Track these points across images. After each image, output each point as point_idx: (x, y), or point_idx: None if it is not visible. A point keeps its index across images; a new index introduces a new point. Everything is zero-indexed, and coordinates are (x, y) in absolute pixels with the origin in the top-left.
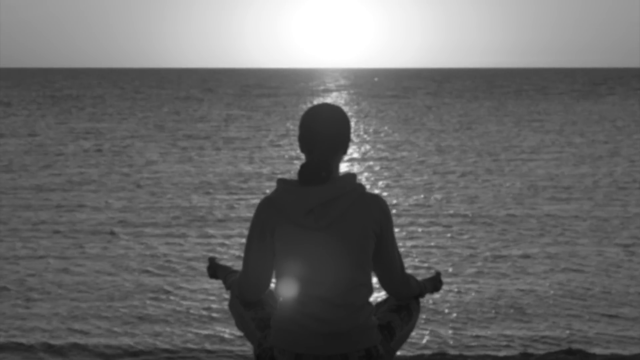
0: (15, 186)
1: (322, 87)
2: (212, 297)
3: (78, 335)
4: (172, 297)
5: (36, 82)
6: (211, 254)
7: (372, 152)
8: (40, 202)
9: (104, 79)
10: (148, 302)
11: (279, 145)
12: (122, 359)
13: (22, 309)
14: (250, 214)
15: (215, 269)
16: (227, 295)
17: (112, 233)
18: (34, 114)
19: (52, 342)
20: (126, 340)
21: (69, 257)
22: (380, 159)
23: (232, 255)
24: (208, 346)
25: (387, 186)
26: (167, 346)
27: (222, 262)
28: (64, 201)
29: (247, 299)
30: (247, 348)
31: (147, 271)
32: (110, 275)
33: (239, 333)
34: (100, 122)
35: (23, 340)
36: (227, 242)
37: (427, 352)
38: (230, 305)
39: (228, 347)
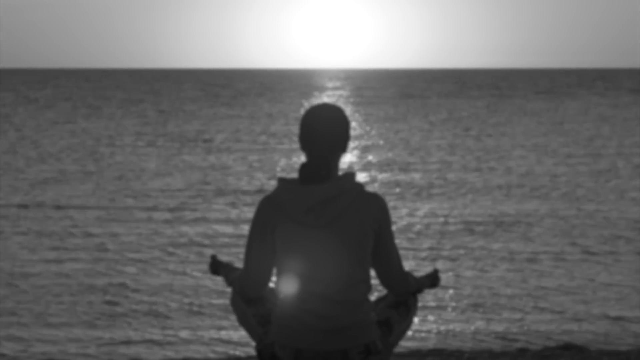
0: None
1: (321, 88)
2: (213, 294)
3: (69, 341)
4: (172, 293)
5: (35, 82)
6: (213, 252)
7: (356, 152)
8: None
9: (107, 79)
10: (147, 298)
11: (277, 145)
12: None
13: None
14: (242, 212)
15: (217, 266)
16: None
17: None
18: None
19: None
20: (129, 338)
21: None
22: (363, 160)
23: (234, 253)
24: (209, 343)
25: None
26: (170, 342)
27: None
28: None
29: (248, 295)
30: (244, 337)
31: (147, 268)
32: (107, 275)
33: (240, 328)
34: (95, 122)
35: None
36: (227, 240)
37: (424, 347)
38: (232, 302)
39: (230, 343)
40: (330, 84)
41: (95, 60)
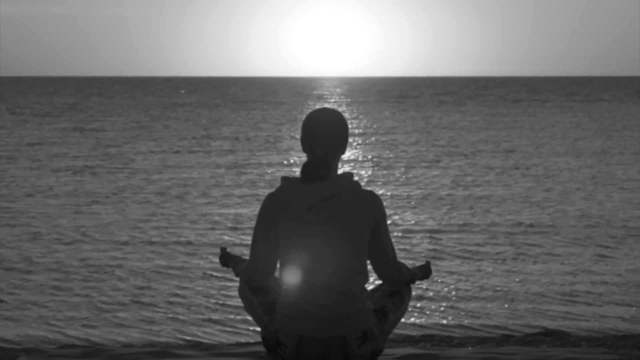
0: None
1: (321, 94)
2: (215, 290)
3: (76, 333)
4: (177, 288)
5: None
6: (222, 245)
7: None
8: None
9: (121, 86)
10: (161, 288)
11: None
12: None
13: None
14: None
15: (226, 258)
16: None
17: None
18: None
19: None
20: (146, 336)
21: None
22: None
23: (240, 247)
24: (212, 334)
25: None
26: (174, 334)
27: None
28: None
29: (254, 285)
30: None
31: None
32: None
33: (246, 317)
34: (94, 123)
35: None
36: (233, 234)
37: (417, 333)
38: (240, 291)
39: (232, 333)
40: (327, 92)
41: (111, 69)
